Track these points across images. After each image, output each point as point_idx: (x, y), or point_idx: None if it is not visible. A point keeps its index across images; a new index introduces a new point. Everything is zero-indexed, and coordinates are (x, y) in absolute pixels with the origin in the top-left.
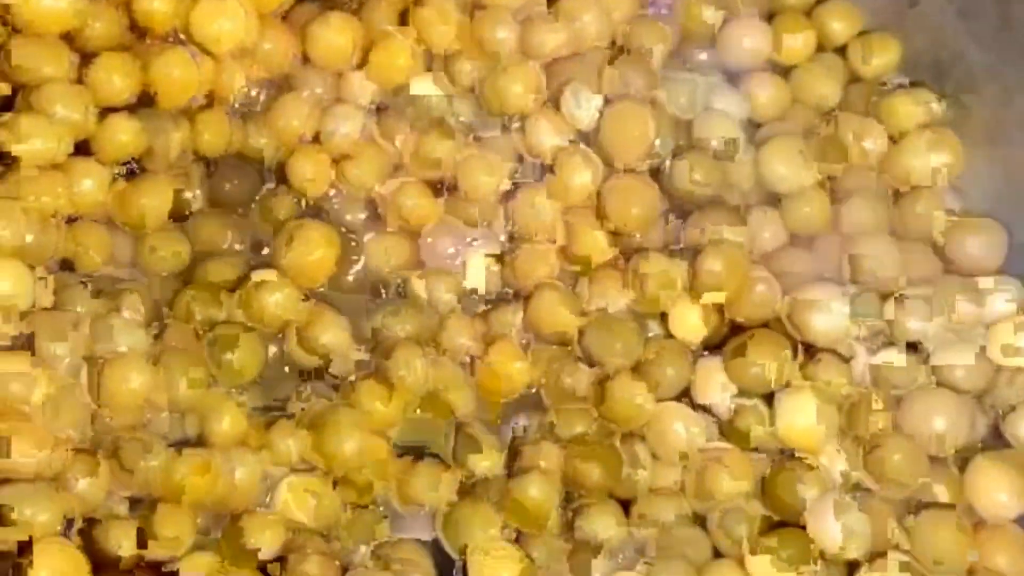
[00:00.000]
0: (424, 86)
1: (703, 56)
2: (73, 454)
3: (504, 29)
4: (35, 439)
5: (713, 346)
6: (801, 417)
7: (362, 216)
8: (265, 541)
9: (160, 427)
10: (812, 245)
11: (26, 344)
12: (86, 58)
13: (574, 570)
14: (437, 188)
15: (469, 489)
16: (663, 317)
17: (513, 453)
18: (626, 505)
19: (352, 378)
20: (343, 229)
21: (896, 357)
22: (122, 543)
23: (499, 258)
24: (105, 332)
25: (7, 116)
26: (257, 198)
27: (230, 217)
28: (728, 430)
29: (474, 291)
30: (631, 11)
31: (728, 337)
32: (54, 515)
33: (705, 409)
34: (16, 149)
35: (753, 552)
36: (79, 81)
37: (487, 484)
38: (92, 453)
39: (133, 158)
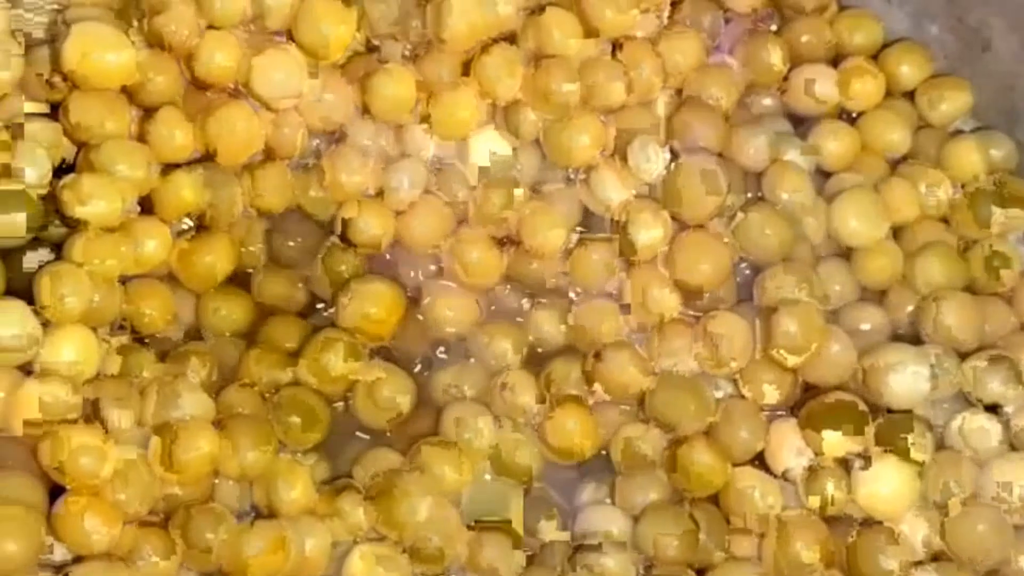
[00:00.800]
0: (487, 139)
1: (767, 102)
2: (143, 529)
3: (569, 81)
4: (106, 515)
5: (787, 407)
6: (882, 484)
7: (425, 271)
8: None
9: (227, 497)
10: (884, 300)
11: (92, 413)
12: (147, 113)
13: None
14: (501, 242)
15: (534, 556)
16: (734, 377)
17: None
18: (700, 573)
19: (418, 442)
20: (406, 285)
21: (976, 420)
22: None
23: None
24: (172, 399)
25: (70, 178)
26: (319, 254)
27: (292, 274)
28: (805, 496)
29: (539, 348)
30: (696, 60)
31: (803, 398)
32: None
33: (781, 474)
34: (80, 212)
35: None
36: (140, 137)
37: (553, 550)
38: (163, 527)
39: (193, 215)
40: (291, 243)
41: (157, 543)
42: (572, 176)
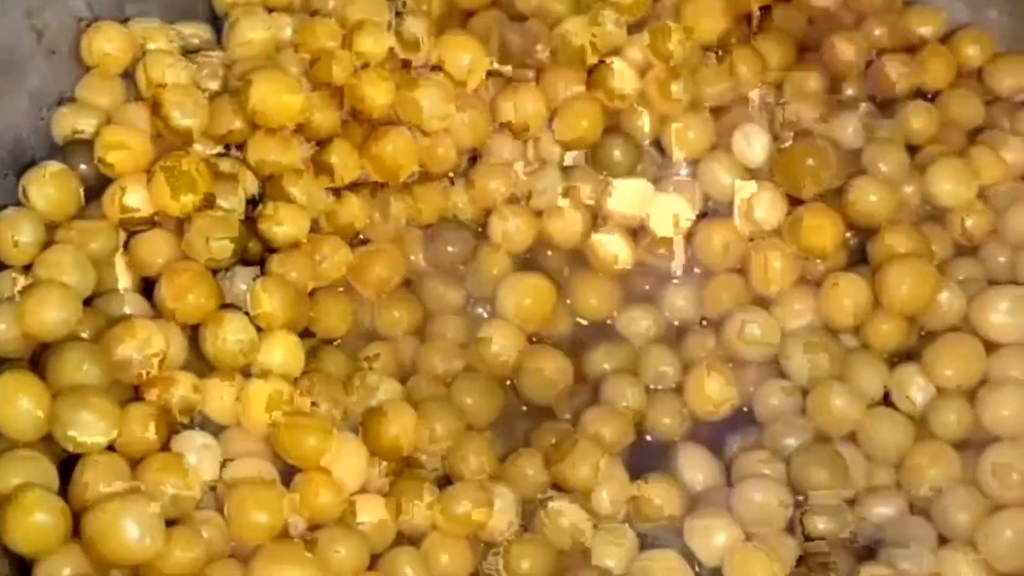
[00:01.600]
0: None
1: (851, 91)
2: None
3: (678, 84)
4: (334, 490)
5: (904, 353)
6: (1004, 408)
7: (566, 263)
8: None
9: (426, 465)
10: (978, 253)
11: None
12: (318, 145)
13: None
14: (633, 232)
15: (698, 497)
16: (856, 330)
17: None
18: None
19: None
20: (553, 277)
21: None
22: None
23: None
24: (371, 390)
25: (268, 206)
26: (473, 257)
27: (452, 277)
28: (931, 427)
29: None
30: (790, 58)
31: (919, 342)
32: None
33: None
34: (277, 232)
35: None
36: (313, 166)
37: (712, 491)
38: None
39: (363, 231)
40: (449, 248)
41: (373, 510)
42: (688, 167)
